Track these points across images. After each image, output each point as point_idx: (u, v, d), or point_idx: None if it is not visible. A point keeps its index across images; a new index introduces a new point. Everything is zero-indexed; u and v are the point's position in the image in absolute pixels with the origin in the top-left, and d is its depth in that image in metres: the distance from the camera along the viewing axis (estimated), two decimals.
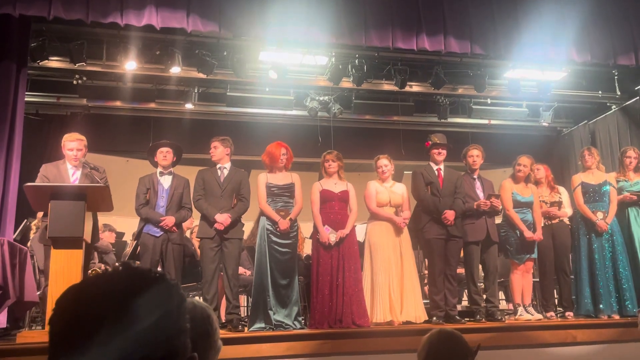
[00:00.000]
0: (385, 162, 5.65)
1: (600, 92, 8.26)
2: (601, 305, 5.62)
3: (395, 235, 5.45)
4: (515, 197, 5.79)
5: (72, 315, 0.83)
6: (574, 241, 5.99)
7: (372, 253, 5.39)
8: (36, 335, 4.10)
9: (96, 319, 0.81)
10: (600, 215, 5.75)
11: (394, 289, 5.28)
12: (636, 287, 5.65)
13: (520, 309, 5.69)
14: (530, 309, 5.70)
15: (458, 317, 5.39)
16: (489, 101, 8.45)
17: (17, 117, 5.25)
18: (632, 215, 5.90)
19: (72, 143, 4.82)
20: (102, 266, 6.03)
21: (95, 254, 6.04)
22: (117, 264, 6.31)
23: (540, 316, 5.67)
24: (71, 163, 4.83)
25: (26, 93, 5.71)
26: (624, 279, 5.64)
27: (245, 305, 6.50)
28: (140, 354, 0.82)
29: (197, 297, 5.19)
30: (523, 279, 5.77)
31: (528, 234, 5.66)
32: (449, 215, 5.45)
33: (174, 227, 5.11)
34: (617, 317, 5.55)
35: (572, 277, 5.99)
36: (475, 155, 5.87)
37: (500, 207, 5.77)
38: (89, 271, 4.56)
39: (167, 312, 0.87)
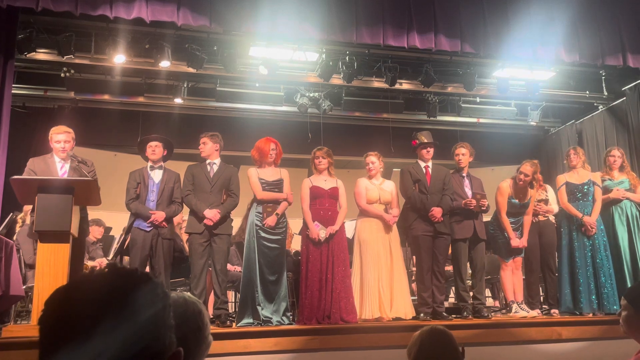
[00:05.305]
0: (373, 160, 5.65)
1: (587, 92, 8.36)
2: (581, 304, 5.69)
3: (385, 232, 5.46)
4: (510, 200, 5.78)
5: (61, 316, 0.84)
6: (558, 239, 6.05)
7: (362, 250, 5.40)
8: (22, 330, 4.07)
9: (86, 320, 0.82)
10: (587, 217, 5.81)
11: (383, 286, 5.30)
12: (619, 285, 5.70)
13: (515, 306, 5.66)
14: (524, 306, 5.68)
15: (445, 314, 5.43)
16: (478, 100, 8.52)
17: (4, 110, 5.19)
18: (617, 215, 5.97)
19: (60, 135, 4.77)
20: (89, 264, 5.98)
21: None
22: (106, 260, 6.27)
23: (535, 313, 5.66)
24: (59, 156, 4.77)
25: (13, 85, 5.65)
26: (605, 277, 5.71)
27: (234, 300, 6.49)
28: (130, 353, 0.83)
29: (187, 293, 5.17)
30: (513, 276, 5.78)
31: (514, 242, 5.67)
32: (436, 212, 5.47)
33: (164, 222, 5.08)
34: (600, 314, 5.62)
35: (557, 274, 6.05)
36: (461, 153, 5.87)
37: (487, 204, 5.78)
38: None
39: (155, 310, 0.88)
